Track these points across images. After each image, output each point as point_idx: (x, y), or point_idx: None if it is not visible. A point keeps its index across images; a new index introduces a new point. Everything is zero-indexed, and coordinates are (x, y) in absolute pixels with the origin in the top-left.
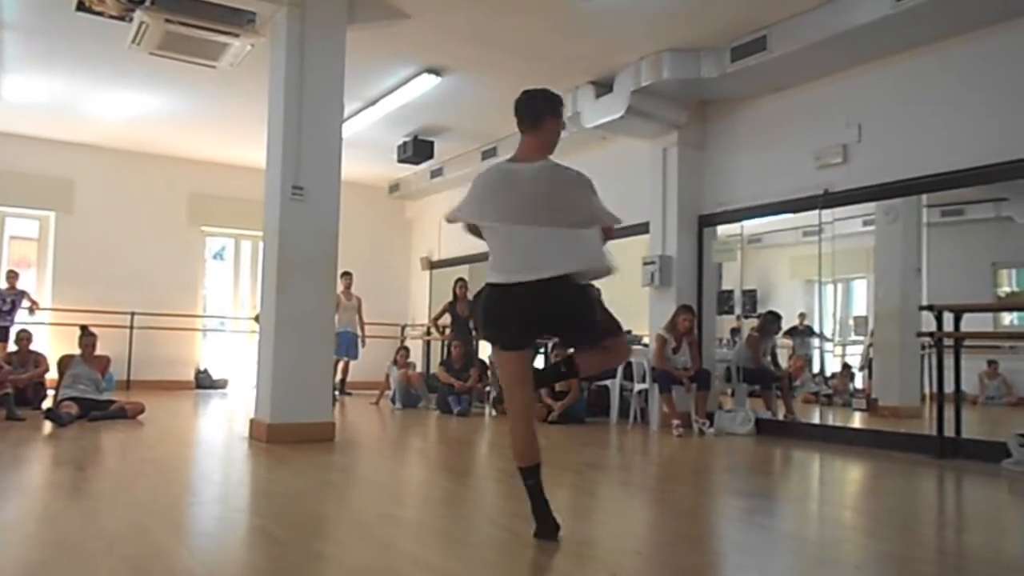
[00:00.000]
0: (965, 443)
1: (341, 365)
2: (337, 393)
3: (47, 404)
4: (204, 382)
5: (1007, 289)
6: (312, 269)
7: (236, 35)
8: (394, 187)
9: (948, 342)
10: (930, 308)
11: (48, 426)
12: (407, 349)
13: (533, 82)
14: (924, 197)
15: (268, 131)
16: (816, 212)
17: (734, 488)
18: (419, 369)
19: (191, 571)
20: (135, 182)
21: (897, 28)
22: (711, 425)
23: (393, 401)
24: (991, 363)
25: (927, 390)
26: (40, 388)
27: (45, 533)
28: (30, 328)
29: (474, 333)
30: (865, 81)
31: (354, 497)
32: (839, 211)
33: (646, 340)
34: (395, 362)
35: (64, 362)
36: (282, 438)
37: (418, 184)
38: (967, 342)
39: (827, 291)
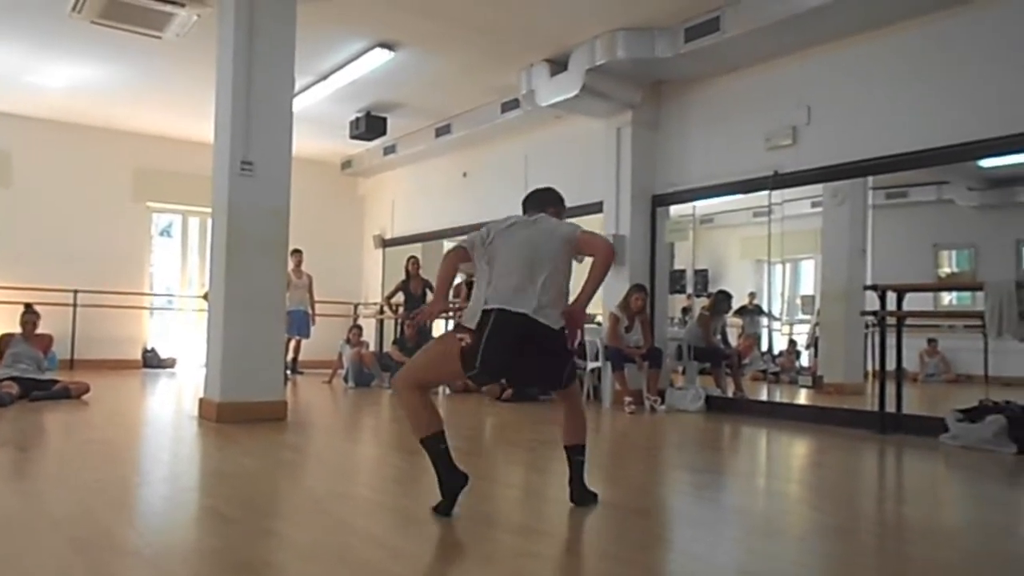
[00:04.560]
0: (906, 419)
1: (292, 344)
2: (289, 372)
3: None
4: (152, 361)
5: (947, 270)
6: (263, 246)
7: (182, 4)
8: (346, 164)
9: (891, 321)
10: (874, 288)
11: None
12: (360, 328)
13: (488, 59)
14: (870, 179)
15: (216, 104)
16: (766, 193)
17: (684, 464)
18: (372, 348)
19: (138, 551)
20: (77, 155)
21: (849, 11)
22: (662, 402)
23: (346, 380)
24: (931, 342)
25: (870, 368)
26: None
27: None
28: None
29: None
30: (816, 64)
31: (306, 476)
32: (788, 192)
33: (599, 319)
34: (348, 341)
35: (4, 341)
36: (232, 417)
37: (371, 161)
38: (909, 321)
39: (776, 271)
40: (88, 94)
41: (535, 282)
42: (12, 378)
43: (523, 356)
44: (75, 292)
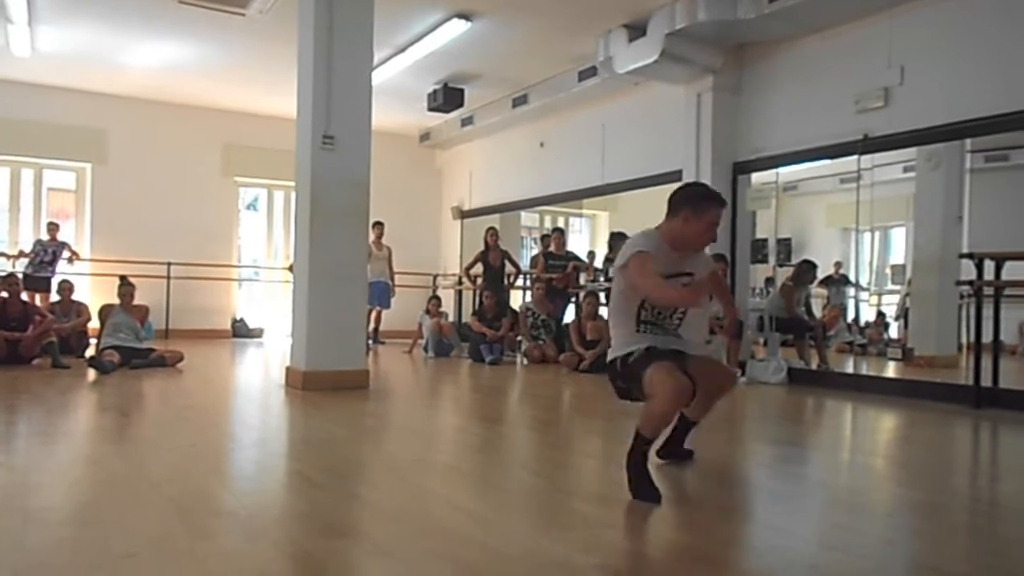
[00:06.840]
0: (1003, 393)
1: (373, 314)
2: (370, 342)
3: (90, 352)
4: (240, 331)
5: None
6: (344, 218)
7: None
8: (424, 136)
9: (988, 291)
10: (970, 256)
11: (92, 373)
12: (439, 299)
13: (565, 26)
14: (968, 142)
15: (298, 80)
16: (855, 158)
17: (765, 436)
18: (451, 318)
19: (233, 512)
20: (168, 133)
21: None
22: (743, 374)
23: (426, 350)
24: None
25: (964, 340)
26: (83, 337)
27: (94, 475)
28: (71, 278)
29: (506, 282)
30: (909, 20)
31: (389, 443)
32: (879, 157)
33: None
34: (427, 311)
35: (105, 311)
36: (317, 385)
37: (448, 133)
38: (1007, 291)
39: (864, 239)
40: (178, 72)
41: None
42: (113, 347)
43: None
44: (168, 264)
